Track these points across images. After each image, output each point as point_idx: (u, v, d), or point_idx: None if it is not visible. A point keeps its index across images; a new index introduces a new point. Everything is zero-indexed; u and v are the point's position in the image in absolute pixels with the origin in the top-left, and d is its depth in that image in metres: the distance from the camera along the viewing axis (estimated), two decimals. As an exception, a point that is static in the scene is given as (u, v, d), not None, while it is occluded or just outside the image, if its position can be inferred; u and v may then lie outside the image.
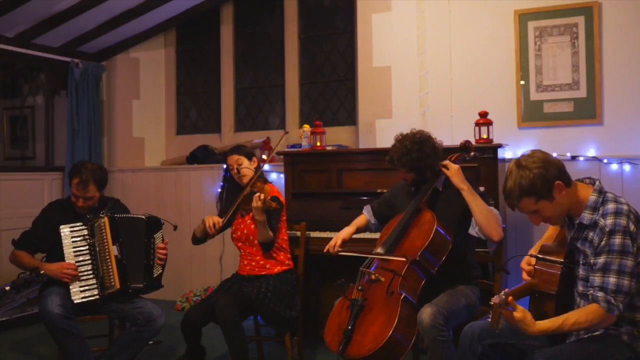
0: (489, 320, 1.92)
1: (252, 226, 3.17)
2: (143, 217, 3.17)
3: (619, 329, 2.05)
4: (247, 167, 3.21)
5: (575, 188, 2.09)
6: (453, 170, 2.70)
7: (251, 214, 3.15)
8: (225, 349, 3.19)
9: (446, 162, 2.75)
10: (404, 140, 2.71)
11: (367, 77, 4.55)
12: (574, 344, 2.10)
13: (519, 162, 2.05)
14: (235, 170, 3.21)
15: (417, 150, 2.66)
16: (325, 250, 2.87)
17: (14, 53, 4.97)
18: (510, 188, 2.04)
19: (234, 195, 3.25)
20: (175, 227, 3.31)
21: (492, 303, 1.91)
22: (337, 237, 2.87)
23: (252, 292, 3.00)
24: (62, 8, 4.63)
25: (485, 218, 2.62)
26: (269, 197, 2.94)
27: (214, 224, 3.16)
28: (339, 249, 2.83)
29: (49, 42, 5.12)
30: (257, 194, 2.94)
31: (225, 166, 3.33)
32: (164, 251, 3.17)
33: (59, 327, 2.84)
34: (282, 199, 3.25)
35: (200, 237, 3.31)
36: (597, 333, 2.08)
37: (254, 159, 3.28)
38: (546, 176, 1.99)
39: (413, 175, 2.76)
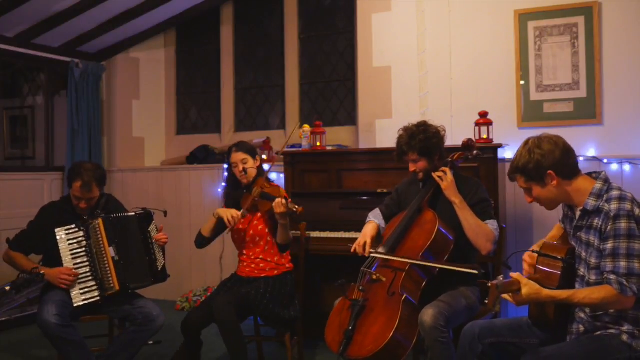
0: (486, 302, 1.94)
1: (260, 227, 3.16)
2: (134, 214, 3.14)
3: (620, 328, 2.04)
4: (252, 167, 3.18)
5: (576, 181, 2.11)
6: (447, 182, 2.70)
7: (258, 214, 3.15)
8: (225, 349, 3.18)
9: (440, 173, 2.73)
10: (407, 129, 2.79)
11: (367, 77, 4.55)
12: (574, 342, 2.10)
13: (527, 142, 2.15)
14: (241, 169, 3.16)
15: (423, 131, 2.74)
16: (352, 251, 2.71)
17: (14, 53, 4.97)
18: (511, 162, 2.17)
19: (238, 195, 3.23)
20: (165, 213, 3.27)
21: (489, 285, 1.94)
22: (365, 237, 2.73)
23: (251, 293, 2.99)
24: (62, 8, 4.63)
25: (474, 233, 2.62)
26: (290, 200, 2.90)
27: (232, 217, 3.04)
28: (371, 250, 2.69)
29: (49, 42, 5.12)
30: (279, 199, 2.91)
31: (226, 165, 3.28)
32: (163, 237, 3.15)
33: (56, 336, 2.83)
34: (287, 195, 3.23)
35: (209, 237, 3.24)
36: (597, 333, 2.08)
37: (257, 157, 3.25)
38: (541, 163, 2.08)
39: (424, 163, 2.76)
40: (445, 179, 2.70)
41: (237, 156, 3.18)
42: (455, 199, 2.67)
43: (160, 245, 3.15)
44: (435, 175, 2.73)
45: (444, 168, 2.75)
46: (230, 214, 3.06)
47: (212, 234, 3.24)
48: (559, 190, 2.11)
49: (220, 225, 3.19)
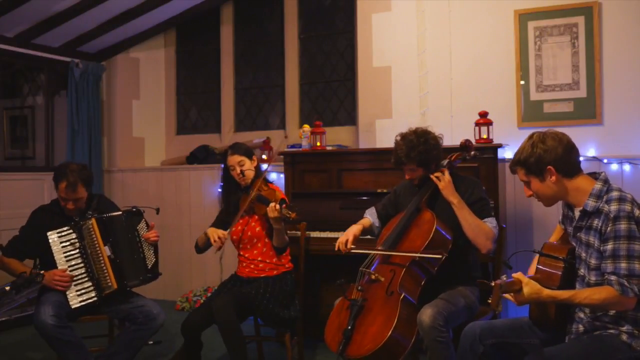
0: (489, 301, 1.94)
1: (257, 228, 3.16)
2: (123, 212, 3.14)
3: (620, 328, 2.04)
4: (249, 169, 3.18)
5: (576, 180, 2.11)
6: (444, 183, 2.69)
7: (255, 216, 3.15)
8: (225, 349, 3.19)
9: (437, 173, 2.73)
10: (406, 137, 2.73)
11: (367, 77, 4.55)
12: (575, 342, 2.10)
13: (532, 136, 2.16)
14: (239, 172, 3.15)
15: (423, 142, 2.69)
16: (336, 249, 2.75)
17: (14, 53, 4.97)
18: (515, 154, 2.19)
19: (237, 196, 3.23)
20: (157, 211, 3.26)
21: (492, 285, 1.95)
22: (348, 234, 2.77)
23: (251, 293, 2.98)
24: (62, 8, 4.63)
25: (473, 232, 2.62)
26: (284, 205, 2.89)
27: (219, 238, 3.07)
28: (352, 246, 2.73)
29: (49, 42, 5.12)
30: (273, 203, 2.90)
31: (223, 165, 3.29)
32: (153, 235, 3.14)
33: (54, 337, 2.82)
34: (286, 197, 3.23)
35: (203, 247, 3.27)
36: (597, 332, 2.07)
37: (254, 157, 3.25)
38: (543, 158, 2.09)
39: (421, 172, 2.75)
40: (443, 179, 2.70)
41: (234, 159, 3.17)
42: (453, 198, 2.67)
43: (150, 243, 3.15)
44: (432, 176, 2.73)
45: (441, 169, 2.75)
46: (216, 235, 3.08)
47: (205, 246, 3.27)
48: (558, 186, 2.11)
49: (210, 242, 3.20)
